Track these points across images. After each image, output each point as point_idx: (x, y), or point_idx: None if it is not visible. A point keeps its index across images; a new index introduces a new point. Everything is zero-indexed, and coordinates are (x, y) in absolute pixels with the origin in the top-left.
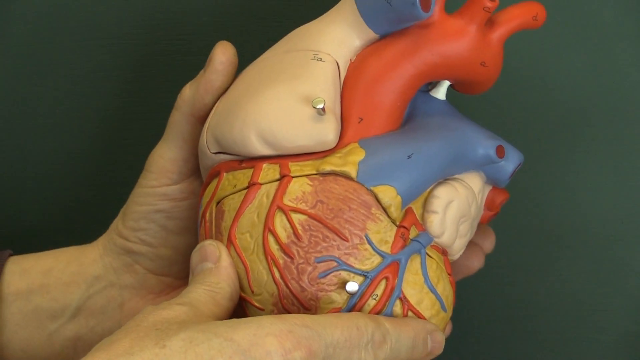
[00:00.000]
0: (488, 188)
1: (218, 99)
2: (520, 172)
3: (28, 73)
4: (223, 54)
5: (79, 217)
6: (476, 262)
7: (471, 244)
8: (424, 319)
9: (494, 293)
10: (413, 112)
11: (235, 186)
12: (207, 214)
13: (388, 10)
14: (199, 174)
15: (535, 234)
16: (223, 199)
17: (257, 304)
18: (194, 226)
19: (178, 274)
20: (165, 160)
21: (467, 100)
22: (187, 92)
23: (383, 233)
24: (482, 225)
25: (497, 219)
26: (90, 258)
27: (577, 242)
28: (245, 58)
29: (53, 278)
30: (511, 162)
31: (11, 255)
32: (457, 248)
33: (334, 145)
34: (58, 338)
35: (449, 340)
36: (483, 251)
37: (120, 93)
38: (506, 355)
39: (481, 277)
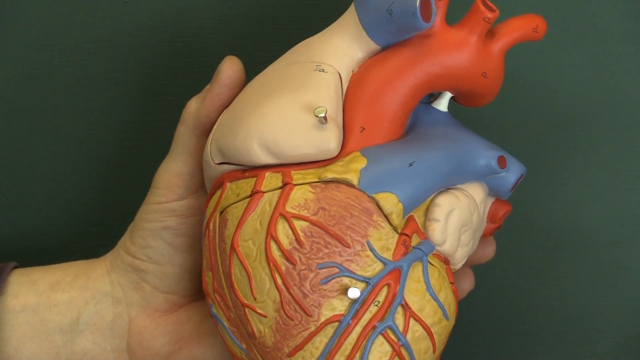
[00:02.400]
0: (490, 200)
1: (223, 110)
2: None
3: (28, 76)
4: (230, 69)
5: (83, 224)
6: (465, 286)
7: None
8: (427, 326)
9: (494, 295)
10: (415, 123)
11: (238, 195)
12: (211, 224)
13: (389, 21)
14: (205, 190)
15: (535, 236)
16: (226, 208)
17: (259, 311)
18: (200, 244)
19: (184, 292)
20: (171, 175)
21: None
22: (193, 106)
23: (385, 240)
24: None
25: None
26: (97, 273)
27: (577, 244)
28: (247, 60)
29: (60, 291)
30: (513, 173)
31: (16, 267)
32: (459, 257)
33: (336, 153)
34: (66, 352)
35: (449, 342)
36: (476, 262)
37: (122, 96)
38: (506, 357)
39: (481, 279)
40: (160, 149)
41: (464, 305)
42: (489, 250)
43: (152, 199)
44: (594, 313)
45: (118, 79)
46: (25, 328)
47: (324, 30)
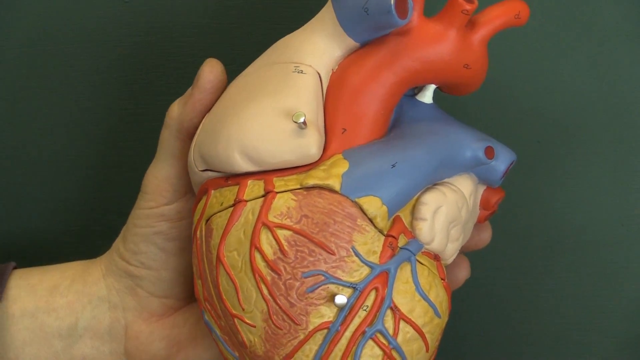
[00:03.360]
0: (482, 188)
1: (204, 115)
2: (520, 175)
3: (28, 76)
4: (211, 72)
5: (83, 224)
6: (461, 274)
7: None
8: (418, 326)
9: (493, 295)
10: (400, 118)
11: (222, 204)
12: (198, 232)
13: (366, 18)
14: (193, 192)
15: (535, 237)
16: (211, 216)
17: (248, 321)
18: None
19: (179, 295)
20: (159, 179)
21: (466, 103)
22: (175, 110)
23: (370, 244)
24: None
25: (496, 222)
26: (93, 277)
27: (577, 244)
28: (246, 60)
29: (59, 296)
30: (502, 161)
31: (15, 268)
32: (450, 253)
33: (317, 158)
34: (65, 357)
35: (448, 342)
36: (473, 248)
37: (123, 95)
38: (505, 357)
39: (480, 279)
40: None
41: (463, 305)
42: (485, 236)
43: (142, 203)
44: (594, 314)
45: (119, 79)
46: (25, 334)
47: (302, 28)
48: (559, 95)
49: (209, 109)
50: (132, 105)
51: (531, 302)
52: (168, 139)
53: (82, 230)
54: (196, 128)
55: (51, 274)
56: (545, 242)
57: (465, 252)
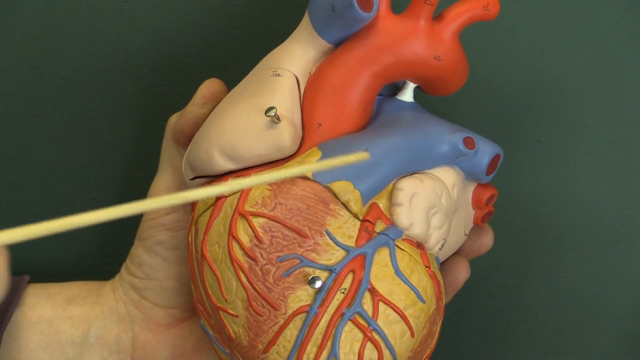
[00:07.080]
0: (471, 185)
1: (198, 128)
2: (520, 175)
3: (27, 77)
4: (207, 89)
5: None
6: (460, 276)
7: (452, 257)
8: (399, 309)
9: (494, 294)
10: (379, 115)
11: (206, 204)
12: (189, 237)
13: (334, 17)
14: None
15: (536, 236)
16: (198, 218)
17: (231, 312)
18: None
19: (184, 306)
20: (159, 190)
21: (466, 102)
22: (173, 120)
23: (346, 228)
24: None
25: (496, 222)
26: (106, 290)
27: (578, 244)
28: (247, 60)
29: (75, 305)
30: (485, 154)
31: (29, 281)
32: (435, 240)
33: (292, 151)
34: None
35: (448, 341)
36: (475, 254)
37: (121, 95)
38: (506, 357)
39: (481, 278)
40: (159, 150)
41: (464, 305)
42: (487, 240)
43: (145, 217)
44: (596, 313)
45: (119, 79)
46: (40, 338)
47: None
48: (559, 94)
49: (200, 122)
50: (133, 105)
51: (531, 302)
52: (167, 148)
53: (92, 239)
54: (189, 139)
55: (69, 287)
56: (545, 241)
57: (468, 258)
